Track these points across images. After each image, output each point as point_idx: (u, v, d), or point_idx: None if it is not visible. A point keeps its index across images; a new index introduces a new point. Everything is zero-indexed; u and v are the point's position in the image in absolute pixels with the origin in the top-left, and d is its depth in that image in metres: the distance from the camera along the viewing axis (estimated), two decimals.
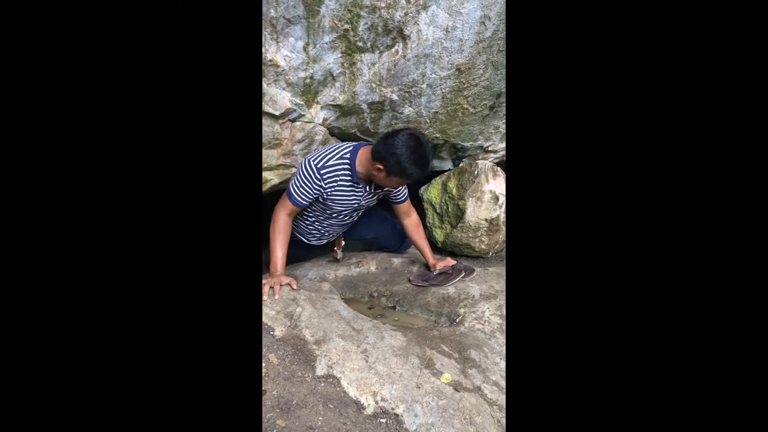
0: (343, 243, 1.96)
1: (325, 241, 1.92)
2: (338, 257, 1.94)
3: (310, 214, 1.74)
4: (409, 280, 1.72)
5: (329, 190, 1.54)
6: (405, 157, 1.38)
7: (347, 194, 1.58)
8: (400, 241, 2.06)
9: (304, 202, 1.54)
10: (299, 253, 1.98)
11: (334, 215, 1.69)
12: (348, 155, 1.52)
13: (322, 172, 1.50)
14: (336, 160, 1.51)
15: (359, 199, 1.62)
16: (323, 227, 1.79)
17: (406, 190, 1.74)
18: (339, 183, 1.54)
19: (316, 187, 1.51)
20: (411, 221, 1.77)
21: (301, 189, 1.52)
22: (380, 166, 1.43)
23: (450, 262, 1.73)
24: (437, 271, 1.70)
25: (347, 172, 1.53)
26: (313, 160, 1.50)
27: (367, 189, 1.60)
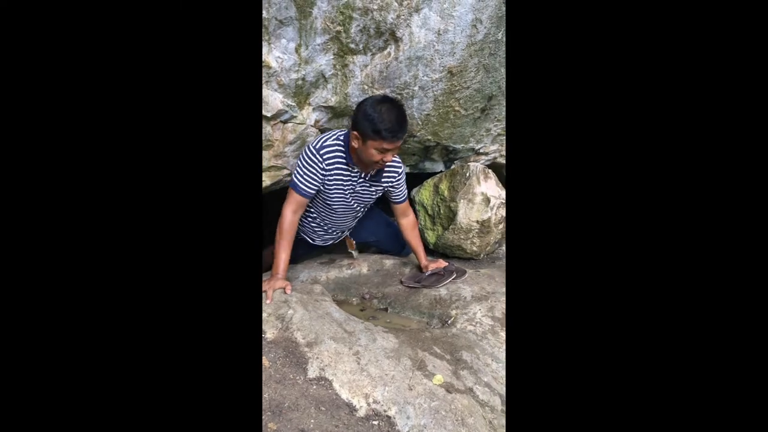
0: (354, 242, 1.94)
1: (330, 243, 1.90)
2: (354, 256, 1.94)
3: (312, 211, 1.73)
4: (401, 282, 1.72)
5: (328, 173, 1.54)
6: (373, 112, 1.37)
7: (344, 178, 1.57)
8: (401, 247, 2.06)
9: (310, 189, 1.53)
10: (301, 252, 1.95)
11: (334, 208, 1.68)
12: (342, 137, 1.54)
13: (321, 152, 1.50)
14: (332, 140, 1.52)
15: (354, 185, 1.61)
16: (325, 224, 1.78)
17: (406, 191, 1.74)
18: (336, 165, 1.54)
19: (318, 169, 1.51)
20: (408, 221, 1.78)
21: (305, 176, 1.51)
22: (356, 133, 1.42)
23: (442, 263, 1.73)
24: (429, 272, 1.70)
25: (342, 153, 1.53)
26: (313, 145, 1.52)
27: (362, 176, 1.59)
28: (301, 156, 1.54)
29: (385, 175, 1.64)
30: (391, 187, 1.69)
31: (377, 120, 1.36)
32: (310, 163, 1.50)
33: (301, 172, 1.52)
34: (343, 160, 1.54)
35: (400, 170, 1.68)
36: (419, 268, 1.77)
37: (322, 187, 1.58)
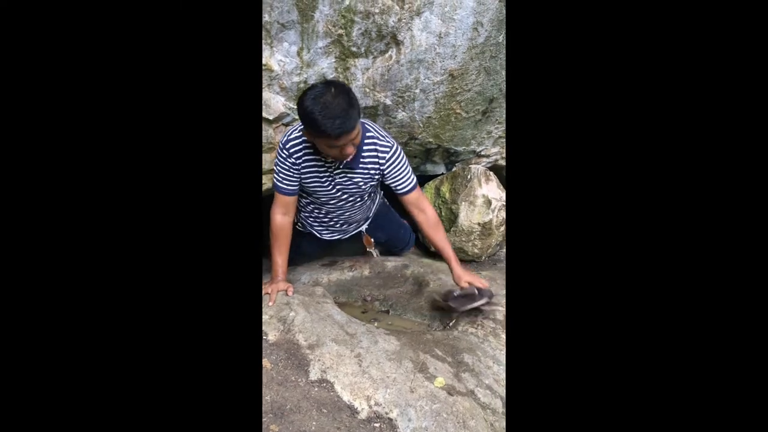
0: (373, 240, 1.88)
1: (336, 237, 1.82)
2: (374, 255, 1.88)
3: (309, 203, 1.67)
4: (434, 300, 1.55)
5: (300, 166, 1.45)
6: (314, 109, 1.20)
7: (319, 169, 1.47)
8: (405, 243, 2.02)
9: (289, 187, 1.47)
10: (308, 247, 1.88)
11: (322, 201, 1.60)
12: None
13: (287, 146, 1.42)
14: (297, 133, 1.43)
15: (332, 176, 1.49)
16: (324, 216, 1.71)
17: (410, 179, 1.48)
18: (305, 156, 1.44)
19: (289, 164, 1.44)
20: (427, 219, 1.50)
21: (280, 174, 1.46)
22: (306, 130, 1.33)
23: (478, 281, 1.42)
24: (459, 293, 1.45)
25: (309, 143, 1.42)
26: (281, 140, 1.45)
27: (337, 165, 1.46)
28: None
29: (364, 160, 1.43)
30: (382, 172, 1.46)
31: (319, 120, 1.20)
32: (281, 160, 1.44)
33: (276, 170, 1.46)
34: (311, 150, 1.43)
35: (388, 153, 1.42)
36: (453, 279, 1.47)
37: (301, 181, 1.50)
